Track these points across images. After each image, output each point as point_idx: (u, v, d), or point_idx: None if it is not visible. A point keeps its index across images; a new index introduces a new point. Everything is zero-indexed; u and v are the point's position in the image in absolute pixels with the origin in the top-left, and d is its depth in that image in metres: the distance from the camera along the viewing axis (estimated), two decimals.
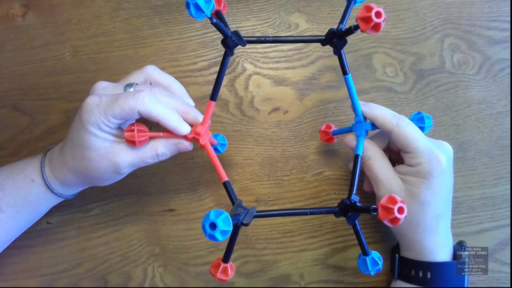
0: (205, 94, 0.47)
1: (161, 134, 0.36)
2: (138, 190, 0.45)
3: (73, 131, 0.35)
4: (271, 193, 0.46)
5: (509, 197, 0.46)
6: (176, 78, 0.47)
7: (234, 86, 0.47)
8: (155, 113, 0.33)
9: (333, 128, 0.43)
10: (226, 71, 0.48)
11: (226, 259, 0.34)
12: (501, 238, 0.45)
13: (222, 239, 0.28)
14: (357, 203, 0.34)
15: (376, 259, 0.35)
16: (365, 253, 0.35)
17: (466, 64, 0.48)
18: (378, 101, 0.47)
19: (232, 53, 0.33)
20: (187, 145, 0.36)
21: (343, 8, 0.37)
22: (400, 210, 0.28)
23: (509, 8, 0.50)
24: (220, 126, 0.47)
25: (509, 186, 0.46)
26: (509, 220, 0.45)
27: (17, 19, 0.48)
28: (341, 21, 0.35)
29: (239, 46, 0.33)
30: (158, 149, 0.36)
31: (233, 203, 0.35)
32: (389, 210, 0.28)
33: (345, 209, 0.35)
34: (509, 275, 0.45)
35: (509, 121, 0.47)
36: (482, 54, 0.49)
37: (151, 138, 0.36)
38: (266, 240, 0.45)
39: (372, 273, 0.35)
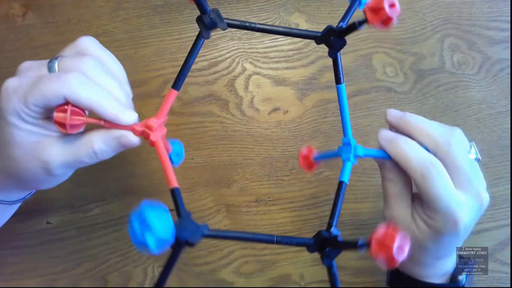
0: (205, 94, 0.47)
1: (102, 121, 0.28)
2: (138, 190, 0.45)
3: None
4: (271, 193, 0.46)
5: (509, 197, 0.46)
6: None
7: (234, 86, 0.47)
8: (85, 99, 0.26)
9: (315, 154, 0.36)
10: (226, 71, 0.48)
11: (159, 283, 0.26)
12: (501, 238, 0.45)
13: (156, 251, 0.21)
14: (338, 238, 0.27)
15: None
16: None
17: (466, 64, 0.48)
18: (378, 101, 0.47)
19: (208, 36, 0.28)
20: (132, 139, 0.29)
21: (344, 8, 0.37)
22: (400, 249, 0.22)
23: (509, 8, 0.50)
24: (220, 126, 0.47)
25: (509, 186, 0.46)
26: (509, 220, 0.45)
27: (17, 19, 0.48)
28: (342, 20, 0.30)
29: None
30: (95, 144, 0.28)
31: (179, 215, 0.27)
32: (385, 248, 0.22)
33: (322, 243, 0.27)
34: (509, 275, 0.45)
35: (509, 121, 0.47)
36: (482, 54, 0.49)
37: (89, 128, 0.28)
38: None
39: None
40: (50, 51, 0.48)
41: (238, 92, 0.47)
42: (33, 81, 0.27)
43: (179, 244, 0.24)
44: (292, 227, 0.45)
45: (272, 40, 0.48)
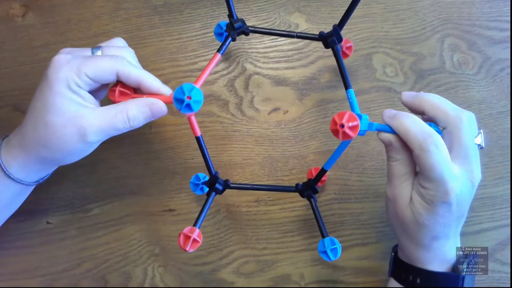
0: (205, 94, 0.47)
1: (145, 96, 0.34)
2: (138, 190, 0.45)
3: (36, 95, 0.32)
4: (271, 193, 0.46)
5: (509, 197, 0.46)
6: (176, 78, 0.47)
7: (234, 86, 0.47)
8: (135, 75, 0.32)
9: None
10: (226, 71, 0.48)
11: (196, 224, 0.35)
12: (501, 238, 0.45)
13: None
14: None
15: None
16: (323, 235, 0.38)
17: (466, 64, 0.48)
18: (378, 101, 0.47)
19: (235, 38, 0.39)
20: (161, 106, 0.33)
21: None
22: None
23: (509, 8, 0.50)
24: (220, 126, 0.47)
25: (509, 186, 0.46)
26: (509, 220, 0.45)
27: (17, 19, 0.48)
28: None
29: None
30: (130, 111, 0.33)
31: (211, 175, 0.37)
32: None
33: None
34: (509, 275, 0.45)
35: (509, 121, 0.47)
36: (482, 54, 0.49)
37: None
38: (266, 240, 0.45)
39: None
40: (50, 51, 0.48)
41: (238, 92, 0.47)
42: (85, 57, 0.32)
43: (212, 191, 0.37)
44: (292, 227, 0.45)
45: (272, 40, 0.48)
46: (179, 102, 0.31)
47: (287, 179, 0.46)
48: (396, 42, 0.49)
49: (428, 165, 0.32)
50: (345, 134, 0.30)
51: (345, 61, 0.47)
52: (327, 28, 0.49)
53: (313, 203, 0.39)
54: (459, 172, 0.33)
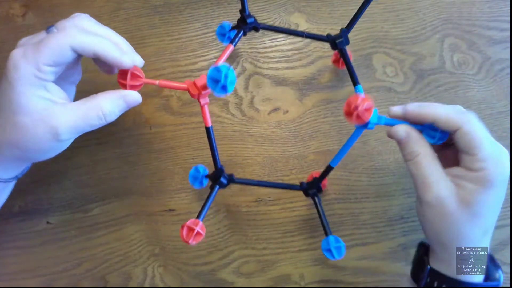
0: None
1: (157, 82, 0.33)
2: (138, 190, 0.45)
3: (1, 96, 0.30)
4: (271, 193, 0.46)
5: (509, 197, 0.46)
6: (176, 78, 0.47)
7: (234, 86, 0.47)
8: (88, 45, 0.29)
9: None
10: None
11: (199, 216, 0.35)
12: (501, 238, 0.45)
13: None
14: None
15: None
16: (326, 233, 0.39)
17: (466, 64, 0.48)
18: (378, 101, 0.47)
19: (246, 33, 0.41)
20: (135, 96, 0.33)
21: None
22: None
23: (509, 8, 0.50)
24: (220, 126, 0.47)
25: (509, 186, 0.46)
26: (509, 220, 0.45)
27: (17, 19, 0.48)
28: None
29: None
30: (104, 107, 0.31)
31: (216, 168, 0.38)
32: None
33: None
34: (509, 275, 0.45)
35: (509, 121, 0.47)
36: (482, 54, 0.49)
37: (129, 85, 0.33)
38: (266, 240, 0.45)
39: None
40: None
41: (238, 92, 0.47)
42: (37, 44, 0.29)
43: (216, 184, 0.38)
44: (292, 227, 0.45)
45: (272, 40, 0.48)
46: (214, 83, 0.31)
47: (287, 179, 0.46)
48: (396, 42, 0.49)
49: (479, 138, 0.30)
50: (358, 117, 0.30)
51: None
52: (327, 29, 0.49)
53: (317, 202, 0.40)
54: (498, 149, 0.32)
